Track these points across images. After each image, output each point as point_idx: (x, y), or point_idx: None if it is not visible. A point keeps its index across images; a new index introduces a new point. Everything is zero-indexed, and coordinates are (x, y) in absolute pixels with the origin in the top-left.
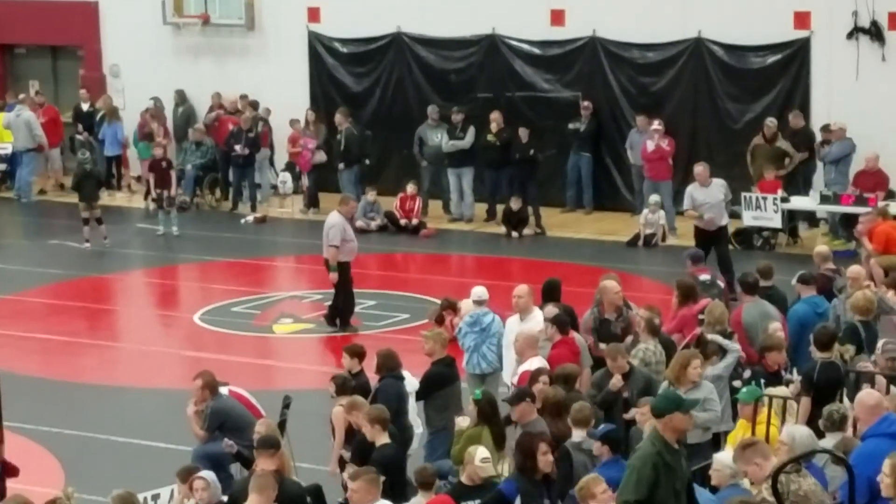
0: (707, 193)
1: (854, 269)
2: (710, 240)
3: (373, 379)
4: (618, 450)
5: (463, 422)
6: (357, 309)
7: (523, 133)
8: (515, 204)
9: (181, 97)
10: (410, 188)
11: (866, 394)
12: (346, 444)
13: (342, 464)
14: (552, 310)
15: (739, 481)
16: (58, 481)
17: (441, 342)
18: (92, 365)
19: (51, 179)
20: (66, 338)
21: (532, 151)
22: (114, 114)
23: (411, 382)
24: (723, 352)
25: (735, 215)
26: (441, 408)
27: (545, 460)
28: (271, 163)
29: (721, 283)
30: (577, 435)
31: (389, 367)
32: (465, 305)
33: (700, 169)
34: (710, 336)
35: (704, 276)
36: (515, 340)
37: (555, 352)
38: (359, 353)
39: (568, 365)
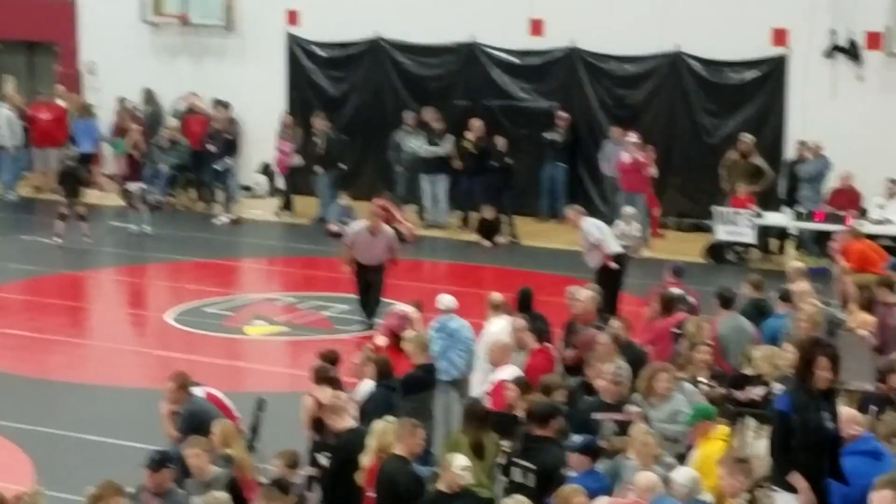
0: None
1: (800, 285)
2: None
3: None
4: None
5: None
6: (329, 313)
7: (500, 142)
8: (489, 213)
9: (148, 96)
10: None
11: (847, 412)
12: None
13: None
14: (520, 320)
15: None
16: (27, 479)
17: (422, 345)
18: (63, 362)
19: (48, 177)
20: (36, 334)
21: (508, 160)
22: (86, 110)
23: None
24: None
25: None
26: (412, 412)
27: (823, 376)
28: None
29: (692, 300)
30: None
31: (384, 374)
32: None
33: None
34: None
35: (677, 291)
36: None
37: (532, 360)
38: (332, 359)
39: (550, 375)
